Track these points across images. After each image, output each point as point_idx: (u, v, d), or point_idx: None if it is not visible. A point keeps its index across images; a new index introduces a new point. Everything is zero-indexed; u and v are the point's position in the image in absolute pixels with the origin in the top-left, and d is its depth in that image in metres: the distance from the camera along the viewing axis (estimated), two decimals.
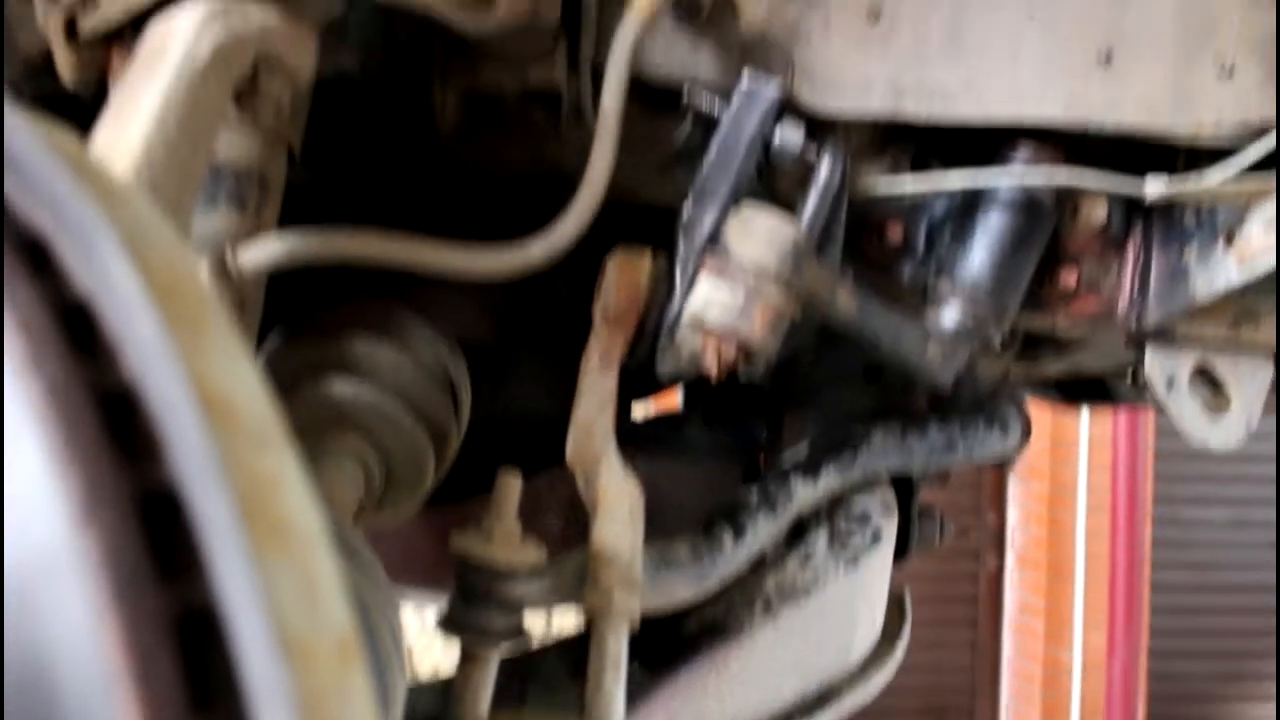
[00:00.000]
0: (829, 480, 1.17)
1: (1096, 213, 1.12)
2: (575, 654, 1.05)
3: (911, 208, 1.11)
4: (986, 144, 1.08)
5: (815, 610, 1.11)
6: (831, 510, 1.24)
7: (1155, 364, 1.21)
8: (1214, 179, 1.01)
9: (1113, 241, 1.15)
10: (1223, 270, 1.06)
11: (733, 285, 0.88)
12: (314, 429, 0.98)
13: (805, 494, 1.15)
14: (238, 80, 0.73)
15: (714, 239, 0.93)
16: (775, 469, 1.17)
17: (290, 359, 1.03)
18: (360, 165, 1.07)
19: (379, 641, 0.77)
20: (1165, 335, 1.19)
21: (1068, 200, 1.11)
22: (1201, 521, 6.39)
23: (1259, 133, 1.02)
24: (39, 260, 0.36)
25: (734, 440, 1.56)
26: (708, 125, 0.98)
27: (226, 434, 0.33)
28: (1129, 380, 1.80)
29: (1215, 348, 1.20)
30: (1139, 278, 1.15)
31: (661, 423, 1.85)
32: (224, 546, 0.30)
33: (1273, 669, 6.13)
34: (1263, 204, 1.00)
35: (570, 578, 0.85)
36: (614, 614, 0.81)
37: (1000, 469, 5.84)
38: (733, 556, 1.05)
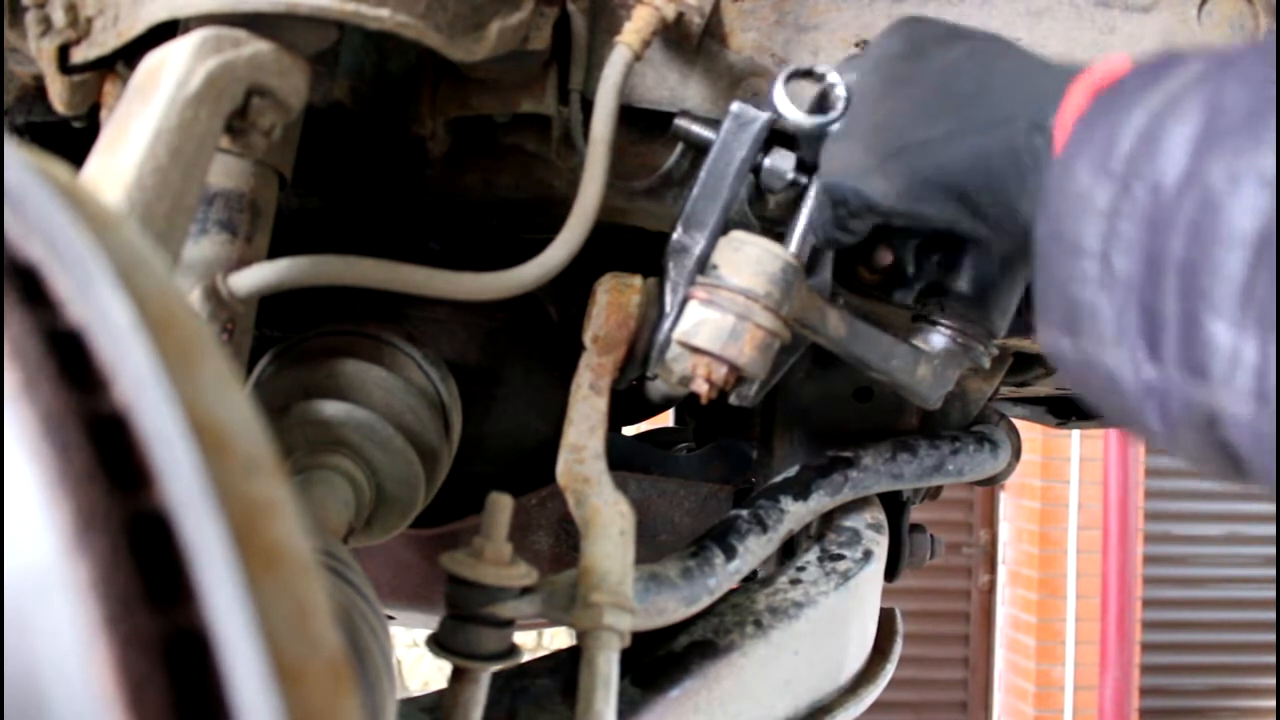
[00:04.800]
0: (820, 500, 1.18)
1: None
2: (566, 672, 1.05)
3: (900, 230, 1.12)
4: None
5: (806, 628, 1.11)
6: (822, 529, 1.24)
7: None
8: None
9: None
10: None
11: (722, 309, 0.88)
12: (305, 449, 0.98)
13: (796, 514, 1.16)
14: (230, 109, 0.73)
15: (704, 263, 0.93)
16: (766, 489, 1.17)
17: (281, 380, 1.03)
18: (352, 192, 1.07)
19: (368, 660, 0.77)
20: None
21: None
22: (1194, 538, 6.39)
23: None
24: (32, 289, 0.36)
25: (725, 460, 1.57)
26: (697, 151, 0.99)
27: (218, 460, 0.33)
28: None
29: None
30: None
31: (653, 440, 1.85)
32: (215, 571, 0.31)
33: (1264, 684, 6.13)
34: None
35: (561, 597, 0.85)
36: (604, 634, 0.81)
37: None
38: (724, 577, 1.05)
